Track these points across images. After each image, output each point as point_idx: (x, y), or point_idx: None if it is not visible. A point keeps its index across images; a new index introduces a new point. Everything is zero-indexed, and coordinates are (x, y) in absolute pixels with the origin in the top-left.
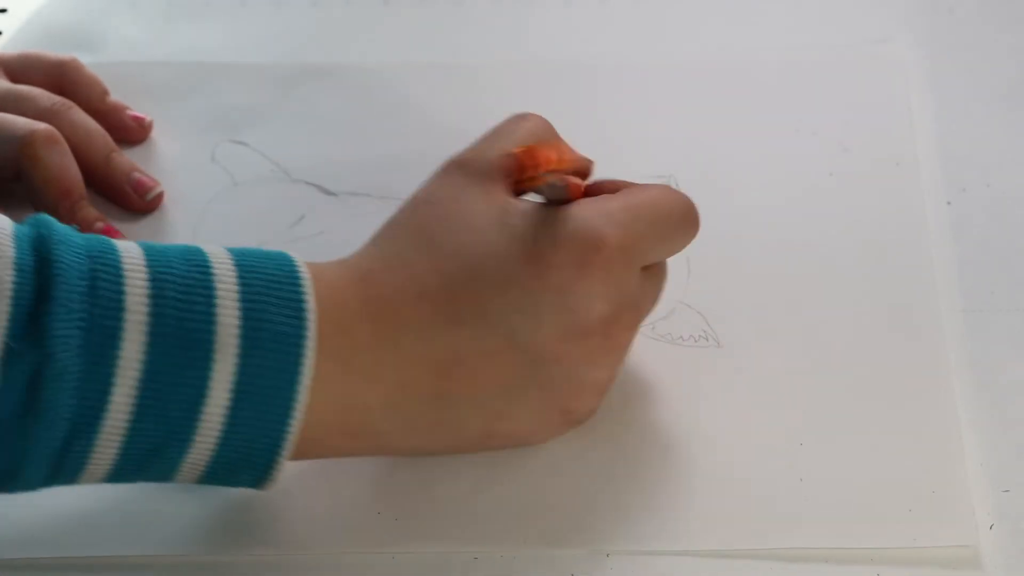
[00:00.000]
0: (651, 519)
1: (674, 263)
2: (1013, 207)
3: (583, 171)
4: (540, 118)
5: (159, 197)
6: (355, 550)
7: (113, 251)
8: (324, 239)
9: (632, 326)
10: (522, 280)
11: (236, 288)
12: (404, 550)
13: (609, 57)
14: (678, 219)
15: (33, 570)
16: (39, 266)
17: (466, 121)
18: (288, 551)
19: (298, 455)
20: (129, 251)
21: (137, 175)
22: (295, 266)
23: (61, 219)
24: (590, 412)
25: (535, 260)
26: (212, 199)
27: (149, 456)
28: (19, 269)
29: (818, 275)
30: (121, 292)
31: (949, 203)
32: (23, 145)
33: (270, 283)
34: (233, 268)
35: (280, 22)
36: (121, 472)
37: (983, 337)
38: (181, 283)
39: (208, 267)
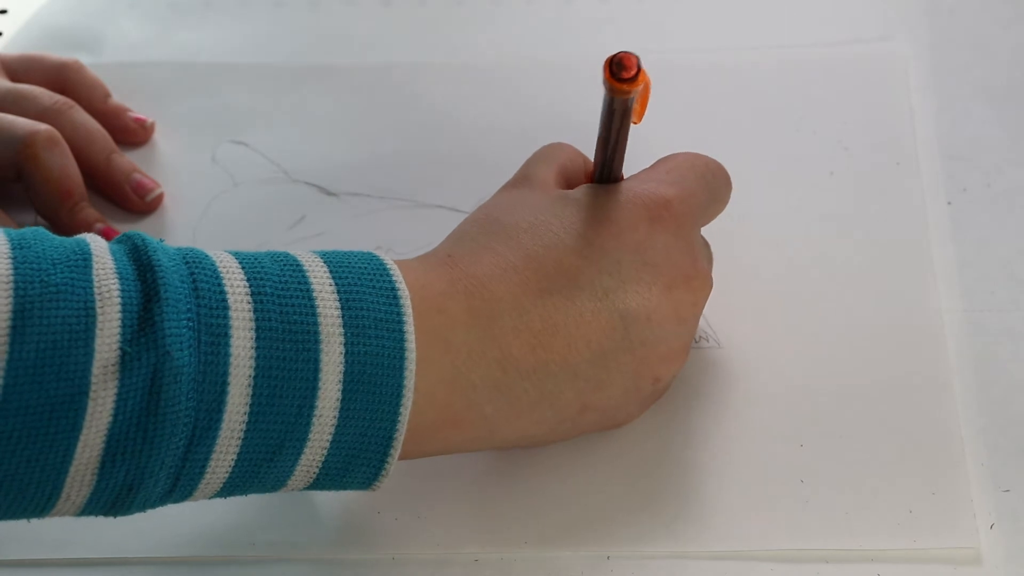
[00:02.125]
0: (651, 520)
1: None
2: (1013, 207)
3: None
4: (572, 147)
5: (159, 198)
6: (355, 550)
7: (205, 256)
8: (324, 239)
9: (709, 276)
10: (600, 243)
11: (330, 281)
12: (404, 550)
13: None
14: (714, 173)
15: (34, 570)
16: (140, 272)
17: (467, 121)
18: (288, 551)
19: (407, 453)
20: (220, 256)
21: (137, 176)
22: (380, 258)
23: (61, 220)
24: (673, 378)
25: (608, 224)
26: (212, 200)
27: (265, 460)
28: (122, 276)
29: (818, 275)
30: (223, 291)
31: (949, 203)
32: (24, 146)
33: (361, 275)
34: (323, 264)
35: (280, 22)
36: (236, 479)
37: (983, 337)
38: (278, 280)
39: (299, 264)
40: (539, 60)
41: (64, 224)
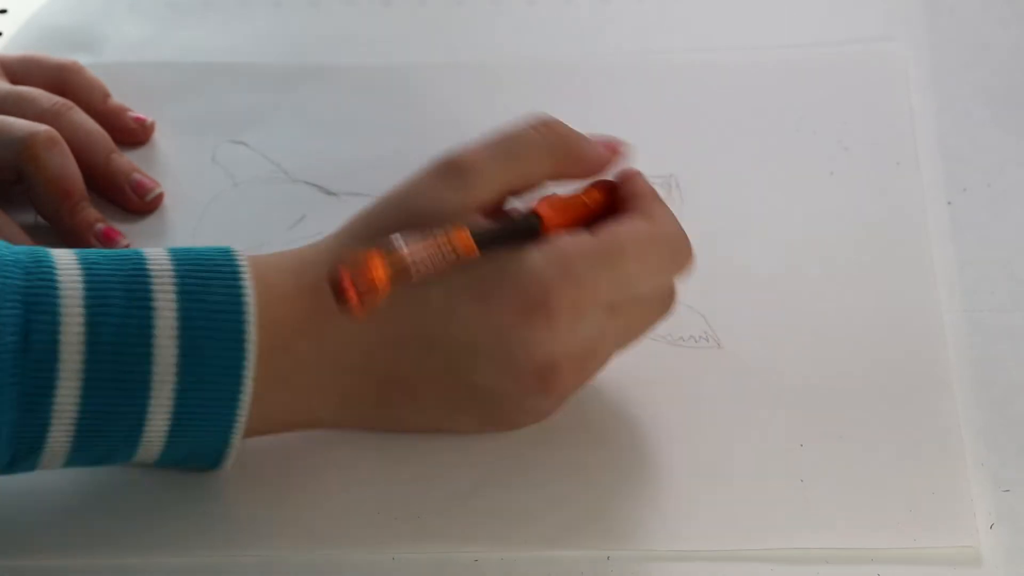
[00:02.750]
0: (651, 520)
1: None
2: (1013, 207)
3: (592, 171)
4: (549, 127)
5: (159, 198)
6: (355, 550)
7: (52, 289)
8: None
9: (576, 373)
10: (466, 315)
11: (175, 323)
12: (404, 550)
13: (609, 57)
14: (657, 260)
15: (34, 571)
16: None
17: (467, 121)
18: (288, 551)
19: (249, 435)
20: (67, 288)
21: (137, 176)
22: (240, 292)
23: (62, 220)
24: (543, 418)
25: (480, 299)
26: (212, 200)
27: (97, 461)
28: None
29: (818, 275)
30: (56, 343)
31: (949, 203)
32: (24, 147)
33: (212, 313)
34: (174, 299)
35: (280, 22)
36: (75, 465)
37: (983, 337)
38: (119, 323)
39: (148, 300)
40: (539, 60)
41: (64, 224)
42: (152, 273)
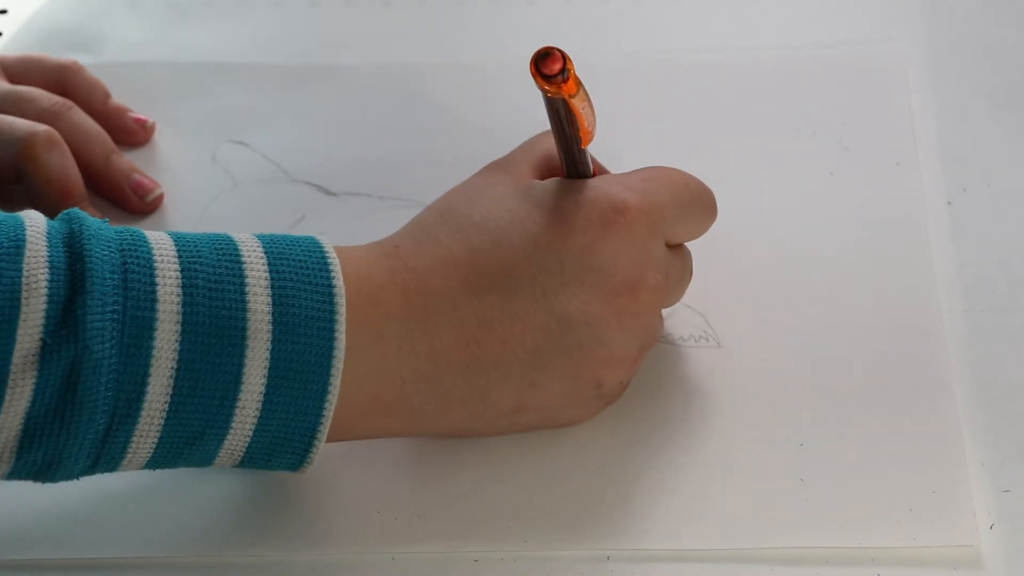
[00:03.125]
0: (651, 519)
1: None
2: (1013, 207)
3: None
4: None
5: (159, 198)
6: (355, 550)
7: (144, 243)
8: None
9: (659, 290)
10: (547, 243)
11: (266, 275)
12: (404, 550)
13: (609, 57)
14: (695, 194)
15: (34, 570)
16: (71, 262)
17: (467, 121)
18: (288, 551)
19: (334, 437)
20: (160, 242)
21: (137, 176)
22: (323, 249)
23: None
24: (621, 387)
25: (559, 223)
26: (212, 200)
27: (187, 444)
28: (52, 266)
29: (818, 275)
30: (153, 284)
31: (949, 203)
32: (24, 147)
33: (299, 268)
34: (262, 256)
35: (280, 22)
36: (160, 460)
37: (983, 337)
38: (212, 272)
39: (238, 255)
40: None
41: None
42: (236, 238)
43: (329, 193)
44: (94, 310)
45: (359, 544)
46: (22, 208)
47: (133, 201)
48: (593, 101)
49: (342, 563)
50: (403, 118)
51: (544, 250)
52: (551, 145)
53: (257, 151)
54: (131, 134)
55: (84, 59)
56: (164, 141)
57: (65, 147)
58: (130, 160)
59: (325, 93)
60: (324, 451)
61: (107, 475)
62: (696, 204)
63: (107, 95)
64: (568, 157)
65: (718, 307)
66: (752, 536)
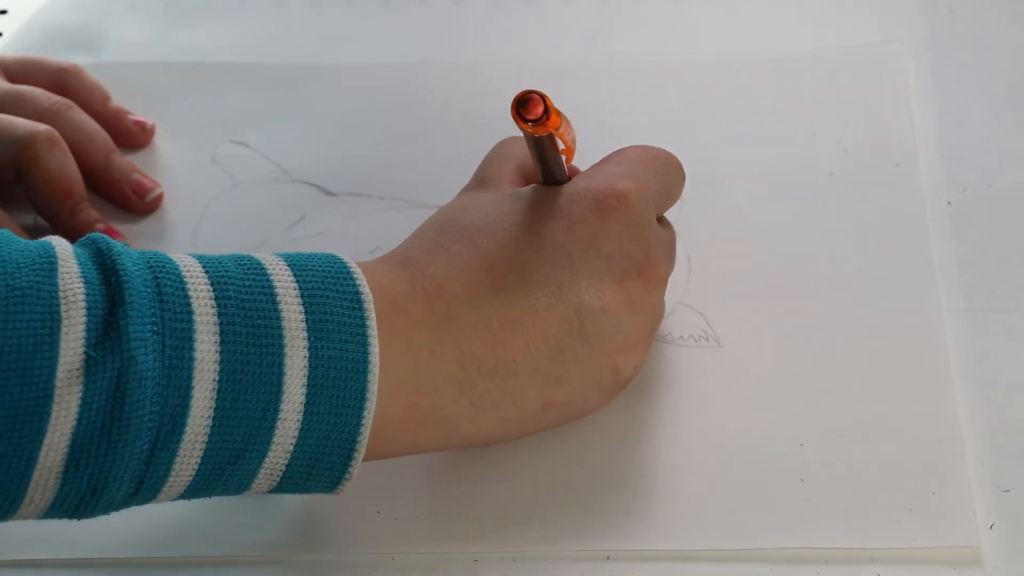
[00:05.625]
0: (651, 519)
1: (675, 263)
2: (1013, 207)
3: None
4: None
5: (159, 198)
6: (355, 550)
7: (169, 260)
8: (323, 239)
9: (663, 265)
10: (552, 237)
11: (294, 285)
12: (404, 550)
13: (609, 57)
14: (666, 164)
15: (33, 570)
16: (105, 276)
17: (466, 121)
18: (287, 551)
19: (371, 454)
20: (184, 260)
21: (137, 176)
22: (344, 261)
23: (62, 220)
24: (635, 370)
25: (559, 217)
26: (212, 200)
27: (229, 463)
28: (87, 280)
29: (818, 275)
30: (187, 296)
31: (949, 203)
32: (24, 147)
33: (325, 278)
34: (287, 268)
35: (280, 22)
36: (201, 482)
37: (983, 337)
38: (241, 285)
39: (263, 269)
40: (539, 60)
41: (64, 224)
42: (257, 255)
43: (329, 193)
44: (136, 321)
45: (359, 544)
46: (22, 208)
47: (133, 201)
48: (592, 101)
49: (342, 563)
50: (403, 118)
51: (551, 244)
52: (519, 151)
53: (257, 151)
54: (131, 136)
55: (84, 59)
56: (164, 141)
57: (65, 147)
58: (130, 160)
59: (325, 93)
60: None
61: None
62: (669, 172)
63: (107, 97)
64: (548, 173)
65: (718, 307)
66: (752, 536)
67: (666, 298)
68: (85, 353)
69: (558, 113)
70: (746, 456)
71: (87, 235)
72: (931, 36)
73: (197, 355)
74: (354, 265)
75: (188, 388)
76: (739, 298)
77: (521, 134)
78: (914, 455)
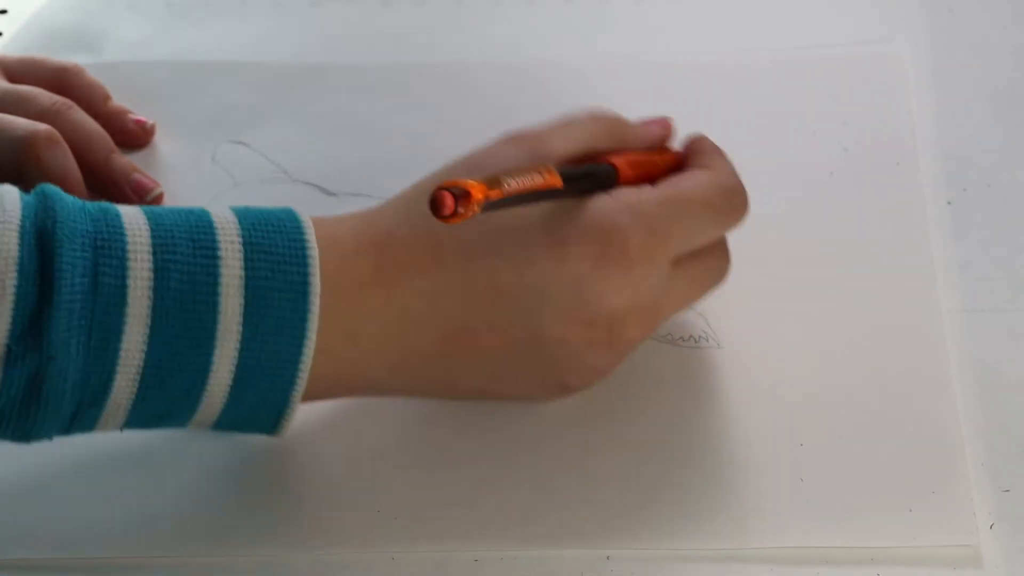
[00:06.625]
0: (651, 519)
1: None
2: (1013, 207)
3: (652, 144)
4: (599, 111)
5: (159, 198)
6: (355, 550)
7: (119, 235)
8: None
9: (642, 325)
10: (541, 262)
11: (240, 272)
12: (404, 550)
13: (609, 57)
14: (716, 209)
15: (33, 570)
16: (42, 266)
17: (466, 121)
18: (288, 551)
19: (304, 401)
20: (136, 233)
21: (137, 176)
22: (304, 239)
23: None
24: (586, 387)
25: (557, 245)
26: (212, 200)
27: (156, 419)
28: (21, 271)
29: (818, 275)
30: (124, 286)
31: (949, 203)
32: (24, 146)
33: (277, 264)
34: (239, 250)
35: (280, 22)
36: (132, 426)
37: (983, 337)
38: (186, 270)
39: (215, 250)
40: (539, 60)
41: None
42: (217, 226)
43: (329, 193)
44: (60, 323)
45: (359, 544)
46: None
47: (133, 201)
48: (592, 101)
49: (342, 563)
50: (403, 118)
51: (537, 269)
52: (590, 137)
53: (257, 151)
54: (131, 136)
55: (84, 59)
56: (164, 141)
57: (66, 146)
58: (130, 160)
59: (325, 93)
60: (323, 452)
61: (107, 475)
62: (715, 220)
63: (107, 97)
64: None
65: (718, 307)
66: (752, 536)
67: None
68: (6, 345)
69: (488, 186)
70: (746, 456)
71: (41, 188)
72: (931, 36)
73: (123, 346)
74: (313, 249)
75: (111, 375)
76: (739, 298)
77: (594, 112)
78: (914, 455)
